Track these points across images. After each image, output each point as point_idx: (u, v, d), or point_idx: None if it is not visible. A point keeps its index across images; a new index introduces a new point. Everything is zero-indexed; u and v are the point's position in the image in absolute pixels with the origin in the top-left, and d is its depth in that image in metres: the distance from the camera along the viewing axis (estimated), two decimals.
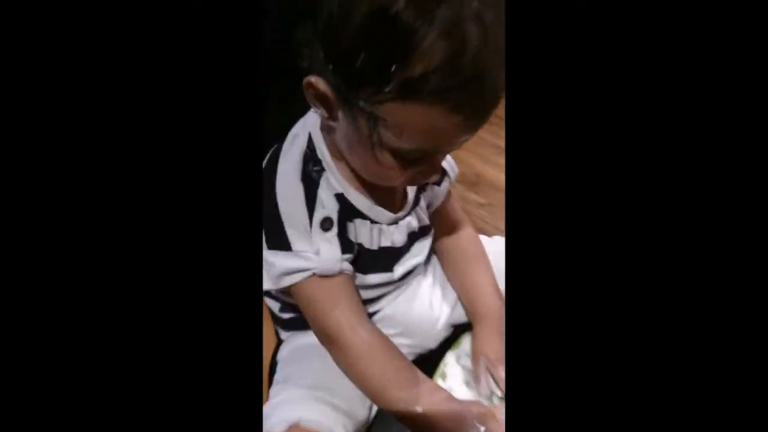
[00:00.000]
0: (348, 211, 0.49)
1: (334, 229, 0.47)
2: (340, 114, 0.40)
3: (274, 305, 0.61)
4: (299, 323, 0.58)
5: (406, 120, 0.36)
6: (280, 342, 0.63)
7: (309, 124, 0.49)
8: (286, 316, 0.60)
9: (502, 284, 0.61)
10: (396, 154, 0.40)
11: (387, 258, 0.54)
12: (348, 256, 0.48)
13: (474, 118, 0.37)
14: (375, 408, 0.54)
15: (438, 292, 0.64)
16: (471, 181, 1.33)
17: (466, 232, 0.65)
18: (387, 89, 0.34)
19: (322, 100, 0.40)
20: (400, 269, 0.56)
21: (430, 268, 0.66)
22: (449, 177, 0.60)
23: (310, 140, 0.48)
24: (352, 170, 0.47)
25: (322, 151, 0.48)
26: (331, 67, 0.36)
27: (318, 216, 0.46)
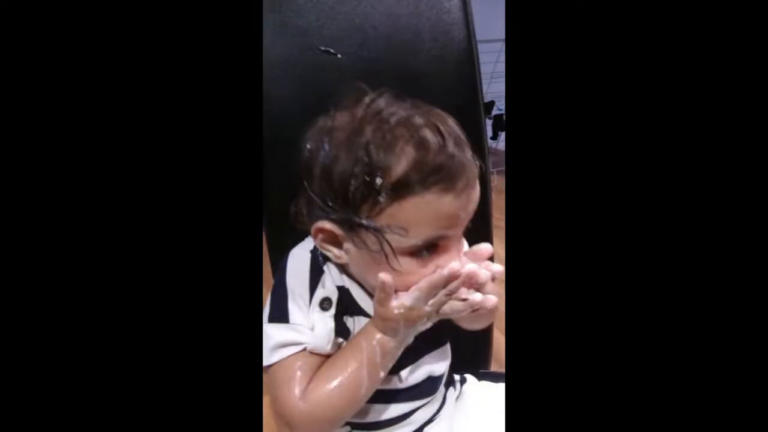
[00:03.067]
0: (349, 305, 0.50)
1: (332, 310, 0.49)
2: (350, 247, 0.46)
3: None
4: None
5: (407, 216, 0.41)
6: None
7: None
8: None
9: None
10: (410, 253, 0.43)
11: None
12: (341, 340, 0.49)
13: (463, 193, 0.42)
14: None
15: None
16: None
17: None
18: (381, 198, 0.41)
19: (332, 241, 0.46)
20: (406, 375, 0.53)
21: (462, 409, 0.62)
22: None
23: None
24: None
25: None
26: (330, 204, 0.43)
27: (319, 295, 0.49)
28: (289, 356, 0.47)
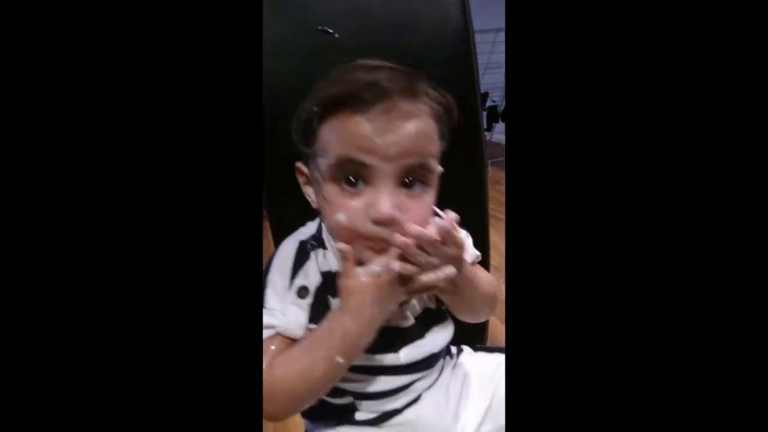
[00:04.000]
0: (337, 288, 0.50)
1: (309, 299, 0.50)
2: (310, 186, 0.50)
3: None
4: (320, 414, 0.58)
5: (327, 137, 0.45)
6: None
7: None
8: None
9: None
10: (333, 178, 0.45)
11: (389, 338, 0.52)
12: (315, 327, 0.49)
13: (378, 118, 0.43)
14: None
15: (466, 404, 0.61)
16: None
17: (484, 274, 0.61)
18: (314, 124, 0.46)
19: (305, 182, 0.51)
20: (406, 354, 0.54)
21: (459, 376, 0.63)
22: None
23: (320, 224, 0.54)
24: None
25: (326, 233, 0.53)
26: (298, 144, 0.48)
27: (297, 282, 0.50)
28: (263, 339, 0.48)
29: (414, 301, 0.55)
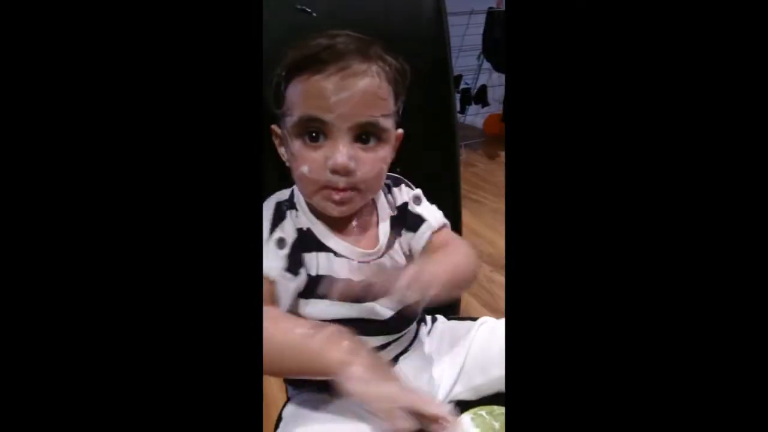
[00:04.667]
0: (311, 244, 0.55)
1: (286, 250, 0.53)
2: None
3: None
4: (306, 381, 0.59)
5: (292, 98, 0.50)
6: (287, 400, 0.64)
7: None
8: None
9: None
10: (297, 134, 0.50)
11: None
12: (290, 275, 0.52)
13: (333, 76, 0.47)
14: None
15: (441, 367, 0.63)
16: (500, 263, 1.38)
17: (461, 248, 0.62)
18: (282, 87, 0.50)
19: (279, 143, 0.56)
20: (380, 307, 0.56)
21: (434, 340, 0.66)
22: (428, 222, 0.61)
23: (293, 190, 0.59)
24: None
25: (298, 194, 0.58)
26: (271, 107, 0.52)
27: (276, 235, 0.53)
28: None
29: (384, 260, 0.58)
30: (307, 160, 0.50)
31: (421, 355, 0.63)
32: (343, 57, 0.47)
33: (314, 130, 0.50)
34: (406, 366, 0.60)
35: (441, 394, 0.62)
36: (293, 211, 0.57)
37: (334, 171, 0.49)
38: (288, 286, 0.52)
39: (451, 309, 0.77)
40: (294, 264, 0.54)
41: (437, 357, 0.64)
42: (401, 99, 0.53)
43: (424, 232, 0.61)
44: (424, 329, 0.67)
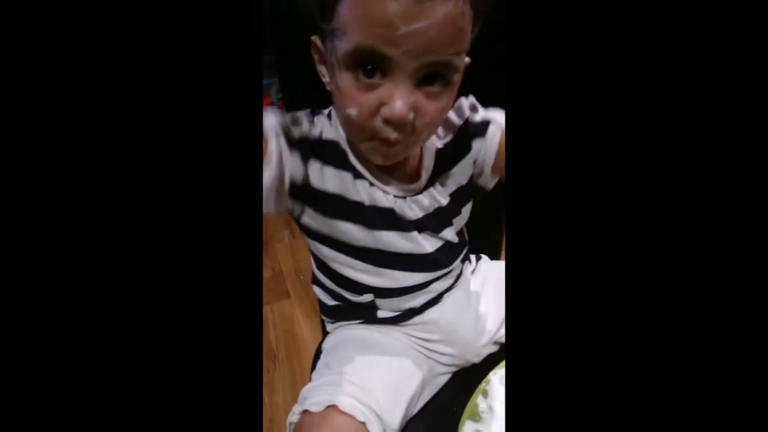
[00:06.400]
0: (333, 159, 0.49)
1: (298, 133, 0.47)
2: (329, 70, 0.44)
3: (320, 293, 0.63)
4: (343, 312, 0.61)
5: (347, 16, 0.38)
6: (325, 334, 0.65)
7: None
8: (331, 303, 0.62)
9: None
10: (348, 66, 0.40)
11: (404, 223, 0.53)
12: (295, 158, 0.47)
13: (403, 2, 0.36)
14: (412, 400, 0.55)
15: (487, 305, 0.63)
16: None
17: None
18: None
19: (320, 60, 0.46)
20: (425, 241, 0.54)
21: (479, 279, 0.65)
22: (496, 123, 0.54)
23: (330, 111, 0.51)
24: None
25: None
26: (314, 17, 0.42)
27: (292, 116, 0.48)
28: None
29: (421, 197, 0.54)
30: (356, 102, 0.40)
31: (467, 292, 0.63)
32: None
33: (371, 65, 0.39)
34: (451, 302, 0.60)
35: (487, 332, 0.62)
36: (321, 116, 0.50)
37: (388, 121, 0.40)
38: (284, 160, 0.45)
39: (492, 251, 0.78)
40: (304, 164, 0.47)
41: (484, 296, 0.64)
42: (479, 24, 0.40)
43: (495, 133, 0.54)
44: (468, 268, 0.66)
